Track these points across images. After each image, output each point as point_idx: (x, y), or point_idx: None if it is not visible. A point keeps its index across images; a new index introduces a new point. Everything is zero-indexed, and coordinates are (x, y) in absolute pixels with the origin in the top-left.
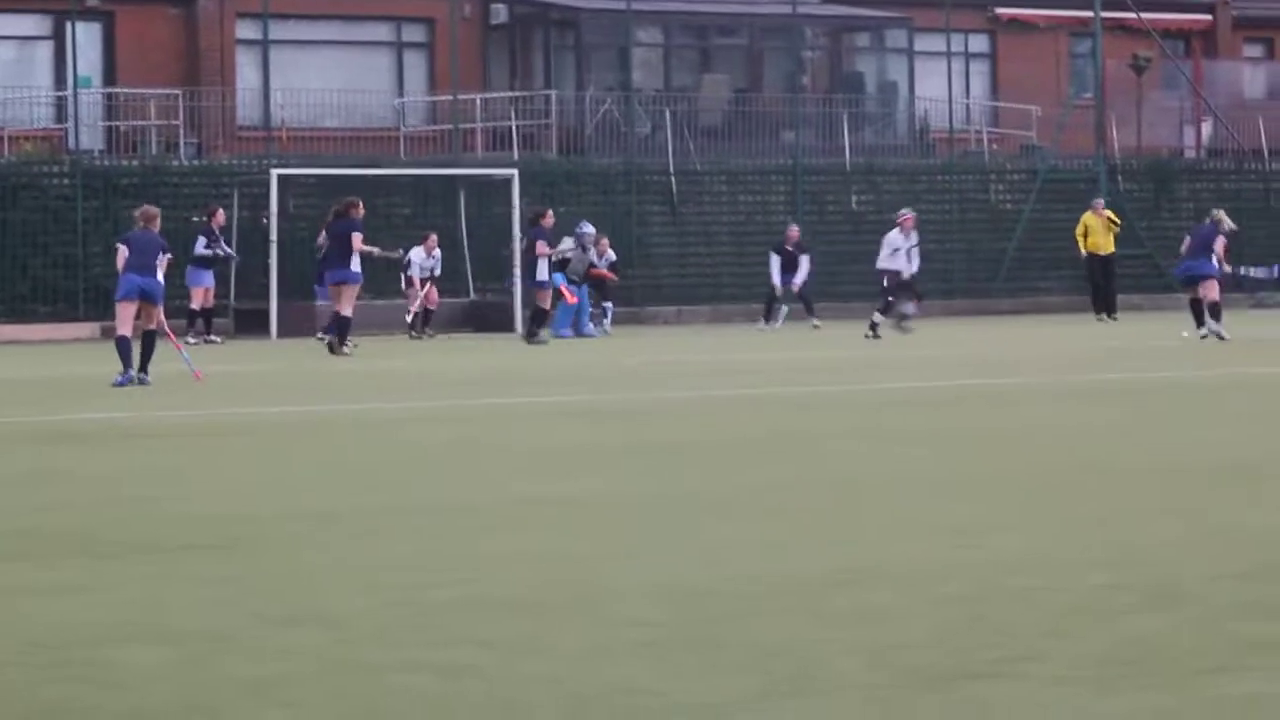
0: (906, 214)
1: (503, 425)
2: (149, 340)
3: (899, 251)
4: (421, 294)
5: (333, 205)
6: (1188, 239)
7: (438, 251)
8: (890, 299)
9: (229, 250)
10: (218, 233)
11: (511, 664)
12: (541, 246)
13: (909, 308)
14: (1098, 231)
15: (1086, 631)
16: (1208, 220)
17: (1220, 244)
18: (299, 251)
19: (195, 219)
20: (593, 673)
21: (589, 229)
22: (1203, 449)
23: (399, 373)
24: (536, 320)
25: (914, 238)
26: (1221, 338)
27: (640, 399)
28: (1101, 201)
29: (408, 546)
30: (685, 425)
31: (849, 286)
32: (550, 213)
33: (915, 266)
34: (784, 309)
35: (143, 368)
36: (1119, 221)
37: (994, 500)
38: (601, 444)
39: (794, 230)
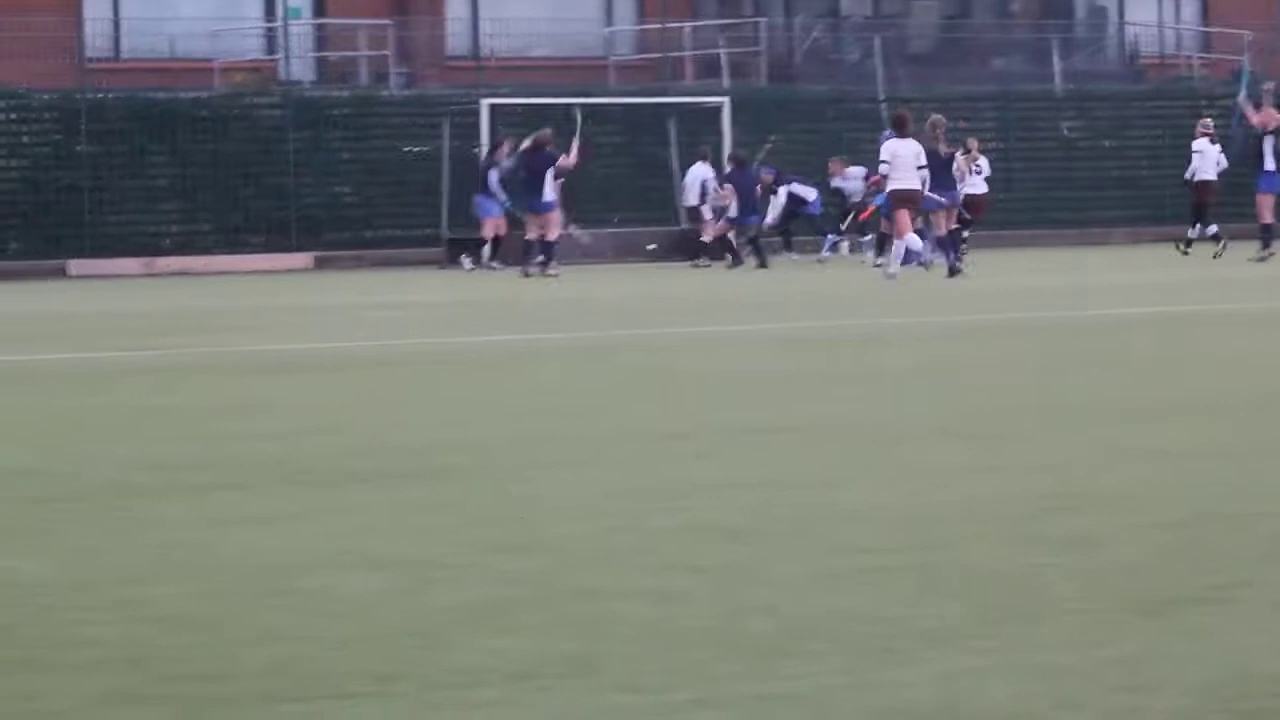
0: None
1: (707, 353)
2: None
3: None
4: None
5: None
6: None
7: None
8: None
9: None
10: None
11: (729, 591)
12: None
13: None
14: None
15: None
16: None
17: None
18: (509, 181)
19: (407, 149)
20: (811, 599)
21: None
22: None
23: (598, 300)
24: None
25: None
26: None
27: (846, 326)
28: None
29: (622, 473)
30: (892, 352)
31: (1059, 213)
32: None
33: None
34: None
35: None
36: None
37: (1206, 426)
38: (808, 371)
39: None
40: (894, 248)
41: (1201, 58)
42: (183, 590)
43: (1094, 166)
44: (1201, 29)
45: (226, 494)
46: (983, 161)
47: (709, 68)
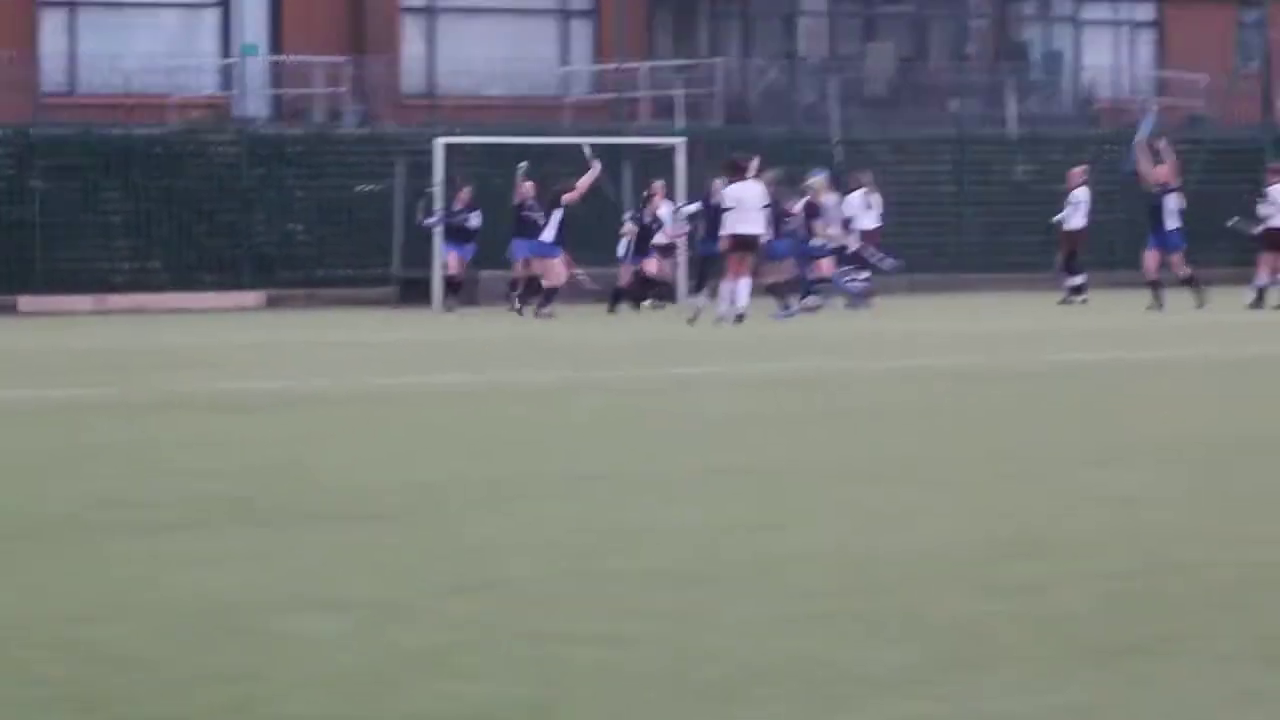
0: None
1: (668, 395)
2: None
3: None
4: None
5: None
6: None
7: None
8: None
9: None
10: (459, 209)
11: (680, 635)
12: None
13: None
14: None
15: (1252, 607)
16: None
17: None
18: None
19: (361, 188)
20: (761, 644)
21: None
22: None
23: (554, 342)
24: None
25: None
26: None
27: (807, 368)
28: None
29: (577, 515)
30: (843, 395)
31: (1012, 256)
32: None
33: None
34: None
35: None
36: None
37: (1154, 472)
38: (766, 413)
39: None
40: (736, 289)
41: (1157, 102)
42: (134, 629)
43: (1047, 210)
44: (1157, 73)
45: (180, 533)
46: (875, 198)
47: (664, 108)
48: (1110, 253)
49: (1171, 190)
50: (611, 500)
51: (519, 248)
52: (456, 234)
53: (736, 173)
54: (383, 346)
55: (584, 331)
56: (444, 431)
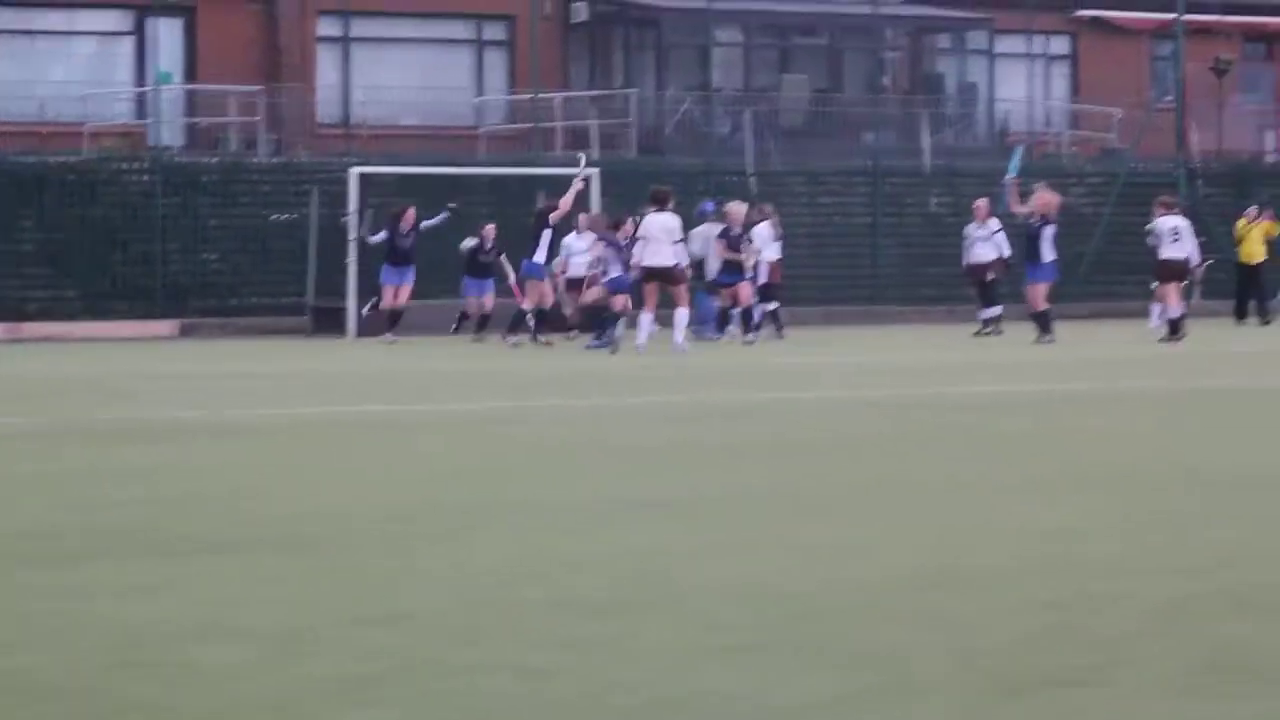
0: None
1: (587, 425)
2: None
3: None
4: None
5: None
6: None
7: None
8: None
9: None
10: (406, 231)
11: (595, 666)
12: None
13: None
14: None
15: (1175, 638)
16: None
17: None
18: (379, 250)
19: (275, 217)
20: (677, 676)
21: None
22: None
23: (473, 373)
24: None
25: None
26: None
27: (725, 400)
28: (1254, 210)
29: (490, 546)
30: (762, 427)
31: (927, 288)
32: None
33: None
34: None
35: None
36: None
37: (1079, 504)
38: (688, 443)
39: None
40: (652, 319)
41: (1071, 135)
42: (46, 660)
43: (961, 242)
44: (1072, 106)
45: (90, 563)
46: (777, 230)
47: (580, 139)
48: (1020, 285)
49: (1049, 223)
50: (529, 530)
51: (469, 287)
52: (400, 258)
53: (656, 203)
54: (298, 376)
55: (508, 362)
56: (361, 462)
